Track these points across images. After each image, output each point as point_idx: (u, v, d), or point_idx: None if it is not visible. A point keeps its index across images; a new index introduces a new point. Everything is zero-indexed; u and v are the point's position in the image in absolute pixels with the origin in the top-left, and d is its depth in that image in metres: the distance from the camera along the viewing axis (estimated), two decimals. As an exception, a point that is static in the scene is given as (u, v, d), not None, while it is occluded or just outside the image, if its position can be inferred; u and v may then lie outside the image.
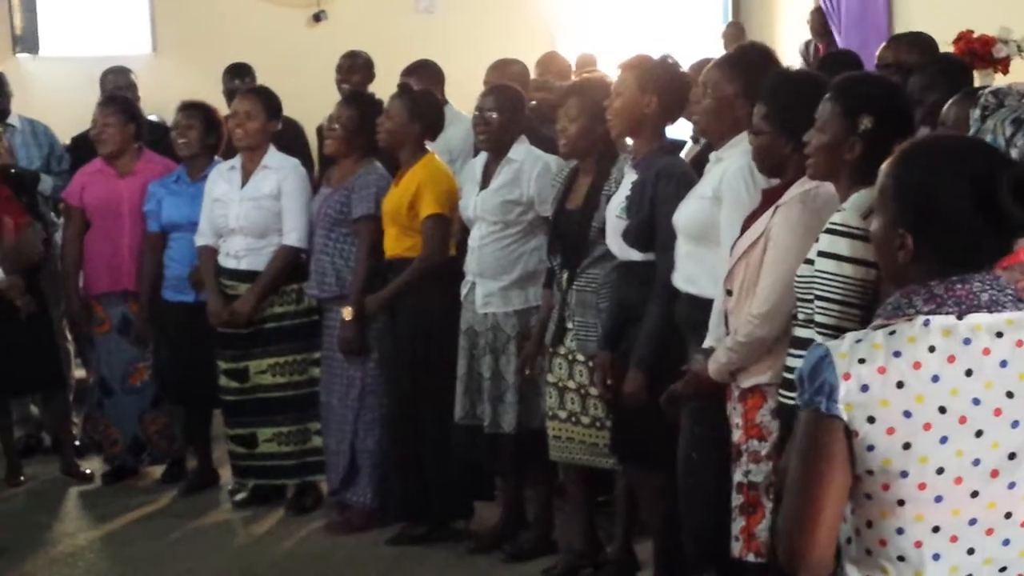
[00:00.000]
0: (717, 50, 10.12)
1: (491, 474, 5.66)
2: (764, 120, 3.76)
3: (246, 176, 6.01)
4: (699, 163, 4.65)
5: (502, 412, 5.28)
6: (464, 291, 5.39)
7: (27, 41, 10.76)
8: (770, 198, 3.81)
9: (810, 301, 3.37)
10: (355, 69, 7.53)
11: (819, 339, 3.26)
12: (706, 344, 3.99)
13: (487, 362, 5.30)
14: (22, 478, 6.65)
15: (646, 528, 4.98)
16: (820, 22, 10.75)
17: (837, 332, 3.20)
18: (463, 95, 6.92)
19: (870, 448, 2.15)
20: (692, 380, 4.02)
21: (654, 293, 4.46)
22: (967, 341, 2.14)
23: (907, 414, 2.14)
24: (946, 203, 2.18)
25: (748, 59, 4.19)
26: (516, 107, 5.45)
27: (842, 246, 3.27)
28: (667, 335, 4.39)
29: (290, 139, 6.55)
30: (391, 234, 5.58)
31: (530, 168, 5.30)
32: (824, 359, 2.17)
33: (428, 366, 5.50)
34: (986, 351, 2.15)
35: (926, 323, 2.16)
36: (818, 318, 3.33)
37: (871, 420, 2.14)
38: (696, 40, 11.33)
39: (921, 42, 5.79)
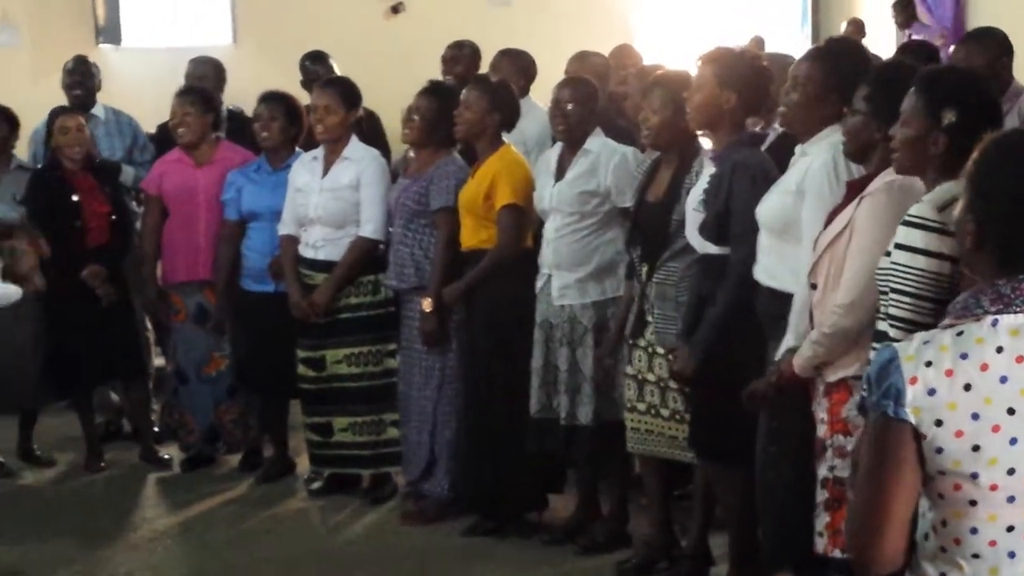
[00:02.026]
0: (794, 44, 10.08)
1: (567, 467, 5.66)
2: (864, 101, 3.72)
3: (327, 167, 6.04)
4: (774, 153, 4.62)
5: (579, 404, 5.27)
6: (539, 284, 5.39)
7: (110, 32, 10.92)
8: (855, 190, 3.77)
9: (887, 293, 3.35)
10: (459, 60, 7.54)
11: (892, 332, 3.26)
12: (786, 342, 3.96)
13: (564, 354, 5.29)
14: (102, 464, 6.74)
15: (722, 522, 4.96)
16: (904, 15, 10.64)
17: (910, 325, 3.21)
18: (538, 86, 6.93)
19: (939, 451, 2.15)
20: (778, 378, 3.99)
21: (723, 283, 4.45)
22: None
23: (975, 416, 2.13)
24: (1005, 196, 2.18)
25: (841, 54, 4.14)
26: (592, 98, 5.44)
27: (916, 238, 3.25)
28: (734, 326, 4.38)
29: (368, 130, 6.57)
30: (467, 225, 5.60)
31: (607, 159, 5.29)
32: (891, 362, 2.17)
33: (503, 358, 5.52)
34: None
35: (994, 323, 2.15)
36: (891, 310, 3.31)
37: (939, 423, 2.14)
38: (775, 31, 11.26)
39: (991, 39, 5.71)
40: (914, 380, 2.14)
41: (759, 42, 11.07)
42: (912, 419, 2.15)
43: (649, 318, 4.92)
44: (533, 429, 5.40)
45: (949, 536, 2.20)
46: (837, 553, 3.76)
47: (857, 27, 10.94)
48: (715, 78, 4.57)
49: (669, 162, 4.97)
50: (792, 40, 11.40)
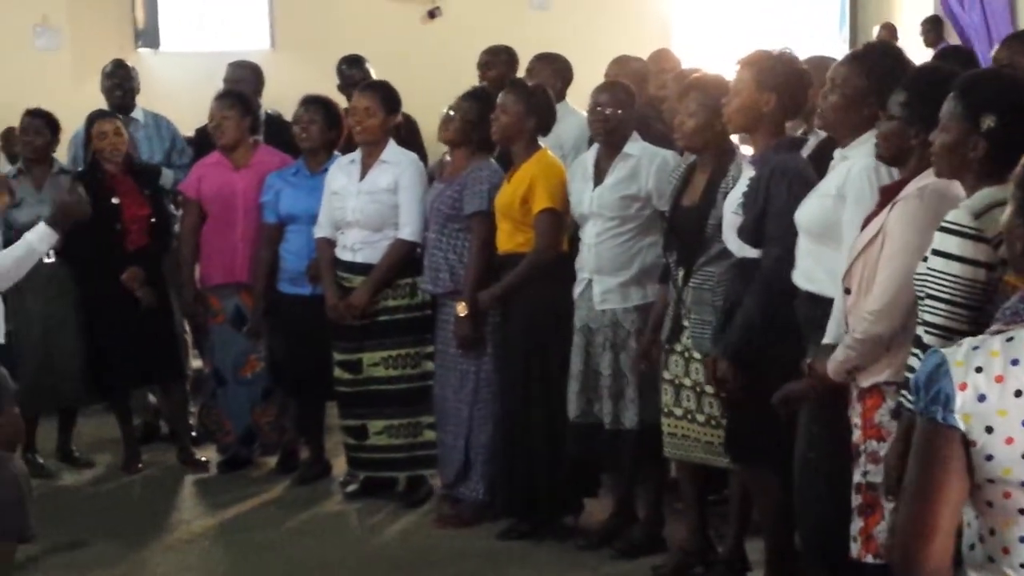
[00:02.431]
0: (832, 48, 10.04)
1: (608, 471, 5.65)
2: (901, 106, 3.70)
3: (365, 170, 6.06)
4: (817, 158, 4.61)
5: (623, 409, 5.26)
6: (579, 289, 5.38)
7: (148, 36, 11.00)
8: (889, 195, 3.76)
9: (923, 299, 3.34)
10: (495, 64, 7.54)
11: (926, 338, 3.25)
12: (824, 343, 3.95)
13: (606, 359, 5.28)
14: (140, 465, 6.78)
15: (758, 528, 4.94)
16: (933, 33, 10.60)
17: (944, 331, 3.21)
18: (575, 90, 6.92)
19: (989, 458, 2.12)
20: (813, 379, 3.97)
21: (753, 286, 4.45)
22: None
23: None
24: None
25: (879, 57, 4.13)
26: (630, 102, 5.44)
27: (951, 244, 3.25)
28: (771, 330, 4.37)
29: (405, 134, 6.58)
30: (504, 229, 5.60)
31: (648, 163, 5.29)
32: (940, 367, 2.14)
33: (539, 362, 5.51)
34: None
35: None
36: (926, 316, 3.32)
37: (989, 430, 2.11)
38: (813, 35, 11.23)
39: None
40: (964, 386, 2.11)
41: (891, 29, 11.02)
42: (961, 425, 2.11)
43: (685, 323, 4.91)
44: (573, 434, 5.40)
45: (997, 546, 2.17)
46: (870, 558, 3.76)
47: (890, 31, 10.91)
48: (754, 81, 4.55)
49: (704, 166, 4.96)
50: (830, 44, 11.36)
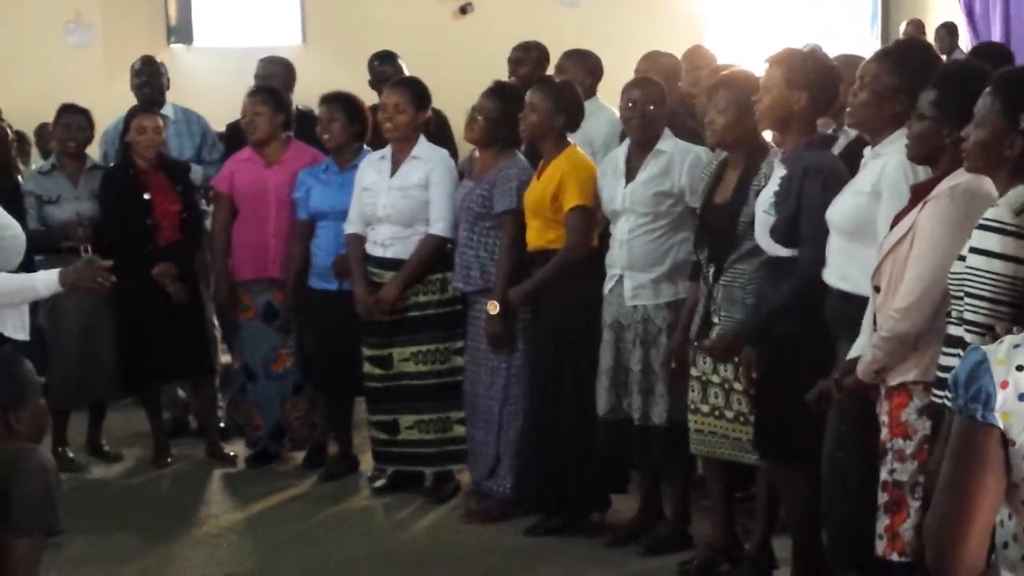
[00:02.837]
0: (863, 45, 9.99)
1: (637, 467, 5.63)
2: (931, 105, 3.68)
3: (395, 166, 6.06)
4: (847, 156, 4.58)
5: (652, 405, 5.25)
6: (609, 285, 5.36)
7: (181, 32, 11.05)
8: (920, 193, 3.74)
9: (962, 298, 3.31)
10: (525, 61, 7.52)
11: (968, 337, 3.22)
12: (856, 346, 3.93)
13: (637, 355, 5.27)
14: (169, 460, 6.81)
15: (785, 525, 4.92)
16: (948, 40, 10.52)
17: (986, 330, 3.18)
18: (606, 87, 6.91)
19: None
20: (843, 383, 3.95)
21: (789, 279, 4.43)
22: None
23: None
24: None
25: (909, 53, 4.11)
26: (663, 98, 5.44)
27: (992, 242, 3.22)
28: (801, 328, 4.35)
29: (435, 130, 6.58)
30: (534, 226, 5.59)
31: (681, 159, 5.27)
32: (981, 365, 2.12)
33: (570, 358, 5.50)
34: None
35: None
36: (967, 315, 3.28)
37: None
38: (845, 33, 11.18)
39: None
40: (1005, 384, 2.09)
41: (919, 25, 10.95)
42: (1001, 424, 2.09)
43: (715, 320, 4.89)
44: (603, 430, 5.39)
45: None
46: (895, 557, 3.75)
47: (917, 27, 10.83)
48: (784, 79, 4.54)
49: (736, 163, 4.94)
50: (862, 41, 11.31)
